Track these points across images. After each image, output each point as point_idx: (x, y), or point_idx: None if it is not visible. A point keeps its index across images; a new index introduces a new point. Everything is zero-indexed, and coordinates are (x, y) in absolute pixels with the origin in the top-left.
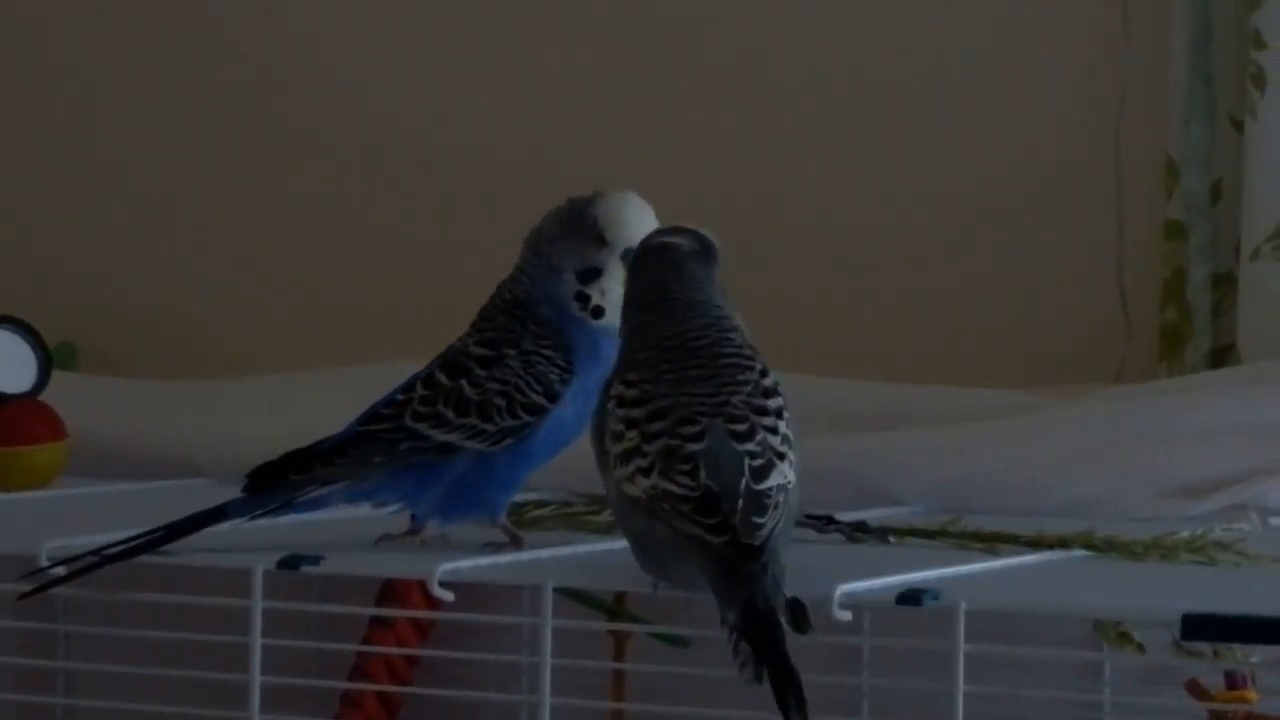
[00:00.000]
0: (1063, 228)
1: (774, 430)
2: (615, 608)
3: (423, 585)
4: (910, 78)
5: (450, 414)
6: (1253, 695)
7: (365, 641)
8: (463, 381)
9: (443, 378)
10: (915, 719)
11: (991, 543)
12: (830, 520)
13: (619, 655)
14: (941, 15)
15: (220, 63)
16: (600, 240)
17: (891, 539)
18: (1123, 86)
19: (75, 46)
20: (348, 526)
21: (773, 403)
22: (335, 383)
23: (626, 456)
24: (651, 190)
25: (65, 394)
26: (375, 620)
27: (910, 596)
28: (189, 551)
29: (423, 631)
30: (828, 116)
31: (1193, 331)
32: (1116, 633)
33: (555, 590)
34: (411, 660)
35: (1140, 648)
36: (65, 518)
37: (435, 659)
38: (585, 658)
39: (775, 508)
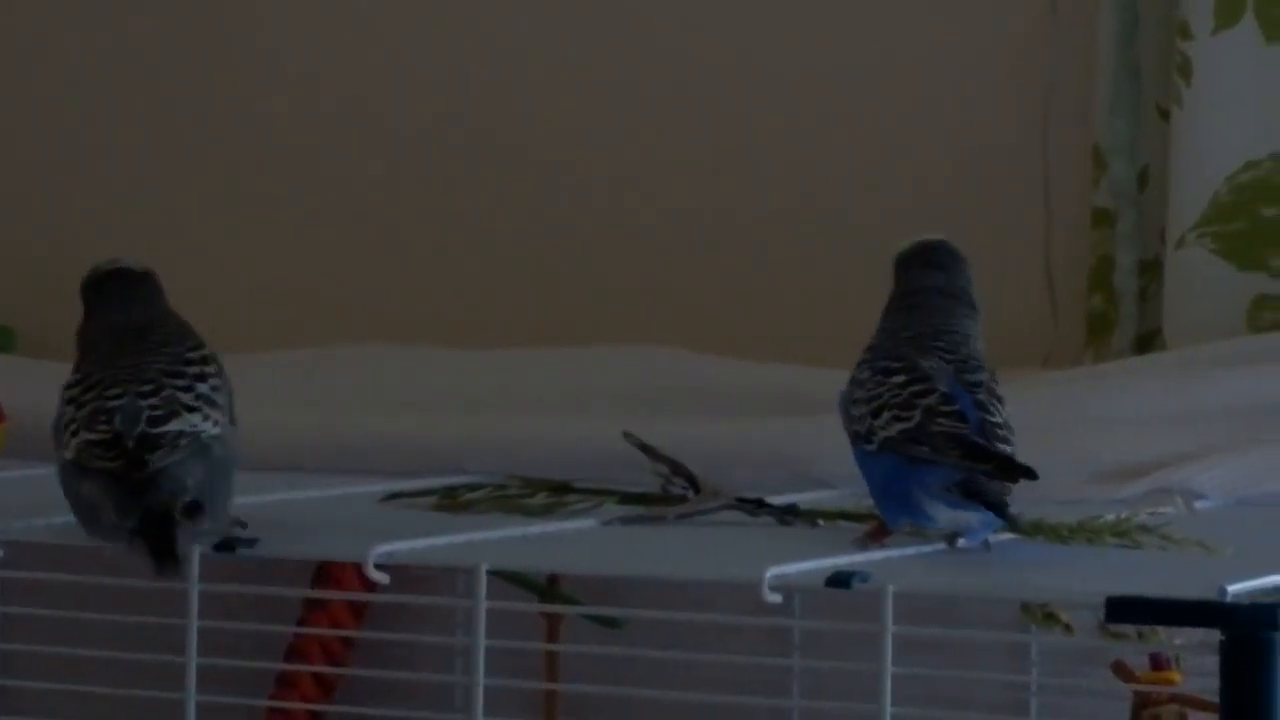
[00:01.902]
0: (990, 215)
1: (186, 389)
2: (548, 589)
3: (358, 567)
4: (837, 68)
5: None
6: (1176, 677)
7: (301, 623)
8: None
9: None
10: (845, 700)
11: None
12: (761, 504)
13: (552, 636)
14: (869, 4)
15: (163, 46)
16: None
17: (821, 522)
18: (1050, 75)
19: (10, 33)
20: (282, 510)
21: (191, 369)
22: (274, 366)
23: (61, 429)
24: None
25: (2, 377)
26: (310, 602)
27: (839, 579)
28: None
29: (358, 613)
30: (754, 107)
31: (1119, 318)
32: (1043, 613)
33: (489, 572)
34: (347, 641)
35: (1067, 627)
36: (3, 500)
37: (371, 640)
38: (518, 639)
39: (174, 448)
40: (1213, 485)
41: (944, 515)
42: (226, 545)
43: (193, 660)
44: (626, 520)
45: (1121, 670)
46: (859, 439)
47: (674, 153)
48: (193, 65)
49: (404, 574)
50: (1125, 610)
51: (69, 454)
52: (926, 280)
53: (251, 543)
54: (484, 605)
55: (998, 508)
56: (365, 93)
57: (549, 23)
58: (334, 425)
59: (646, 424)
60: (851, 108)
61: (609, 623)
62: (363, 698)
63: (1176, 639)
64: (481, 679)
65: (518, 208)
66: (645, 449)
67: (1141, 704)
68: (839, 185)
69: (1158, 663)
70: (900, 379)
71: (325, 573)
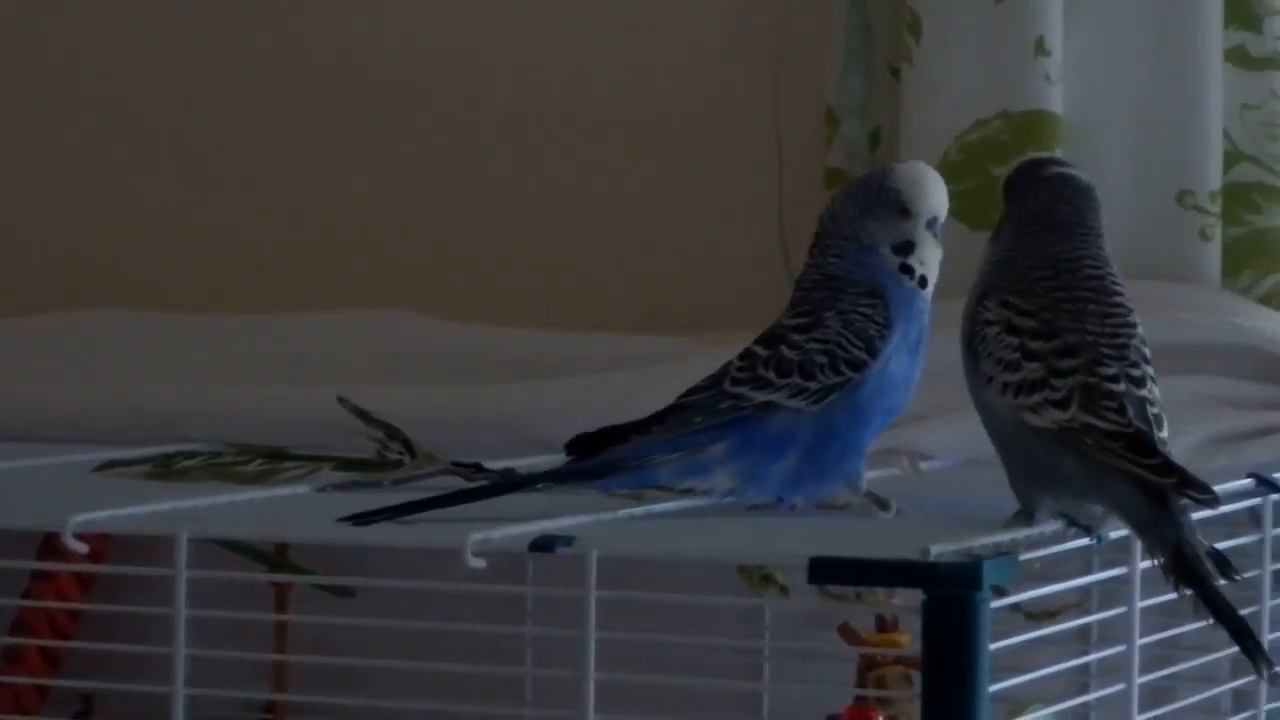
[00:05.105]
0: (724, 176)
1: (1156, 383)
2: (276, 559)
3: (79, 538)
4: (568, 27)
5: (771, 375)
6: (903, 638)
7: (26, 595)
8: (781, 348)
9: (759, 349)
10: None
11: (638, 490)
12: (479, 468)
13: (280, 607)
14: None
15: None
16: (905, 213)
17: (539, 486)
18: (782, 35)
19: None
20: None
21: (1149, 353)
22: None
23: (1031, 387)
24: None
25: None
26: (36, 574)
27: (543, 544)
28: None
29: (85, 585)
30: (488, 67)
31: None
32: (760, 576)
33: (217, 542)
34: (74, 614)
35: (783, 590)
36: None
37: (98, 613)
38: (249, 609)
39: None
40: (940, 445)
41: None
42: None
43: None
44: (341, 486)
45: (848, 633)
46: None
47: (406, 114)
48: (118, 22)
49: (138, 544)
50: (828, 571)
51: (1039, 421)
52: None
53: None
54: (184, 574)
55: None
56: (290, 51)
57: None
58: (51, 393)
59: (371, 389)
60: (580, 69)
61: (340, 592)
62: (93, 671)
63: (894, 600)
64: (183, 649)
65: (238, 168)
66: (360, 413)
67: (867, 666)
68: (568, 149)
69: (883, 625)
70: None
71: (51, 545)
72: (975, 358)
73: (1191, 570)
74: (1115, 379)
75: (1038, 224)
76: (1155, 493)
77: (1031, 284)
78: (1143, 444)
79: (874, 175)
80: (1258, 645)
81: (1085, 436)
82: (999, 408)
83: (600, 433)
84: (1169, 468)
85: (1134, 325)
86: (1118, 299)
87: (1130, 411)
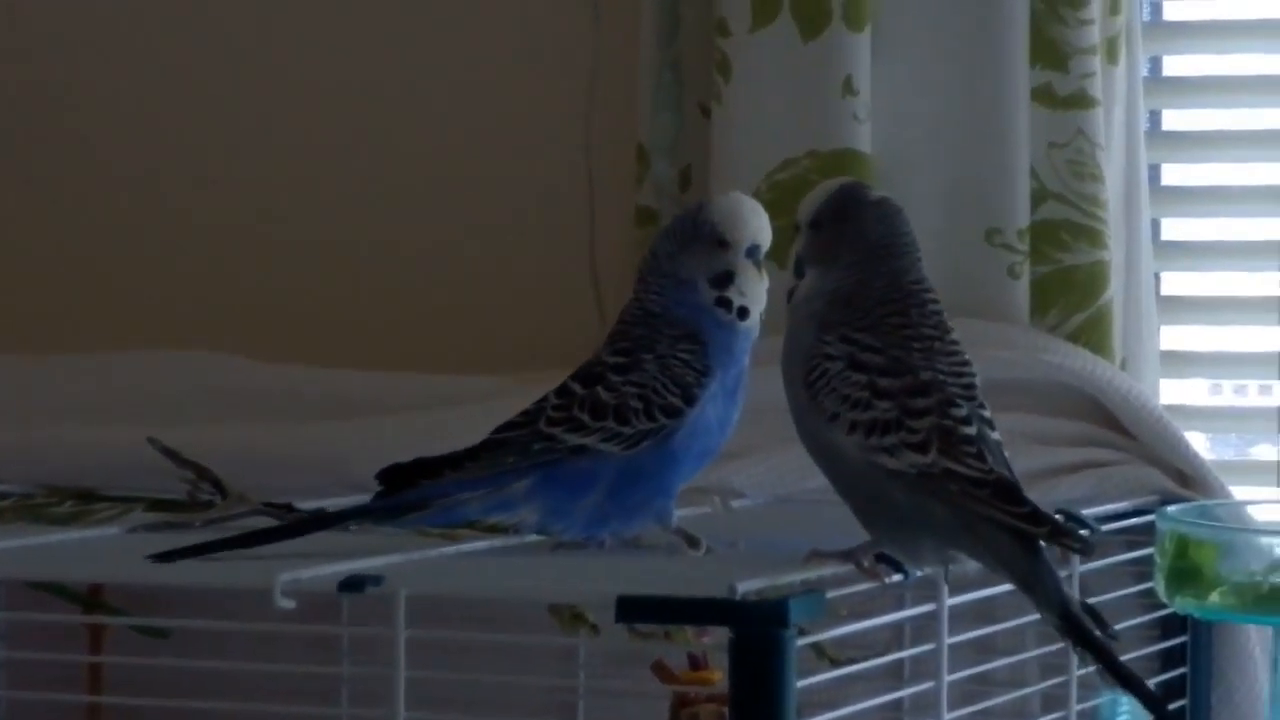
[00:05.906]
0: (535, 214)
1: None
2: (90, 600)
3: None
4: (378, 69)
5: (586, 418)
6: (716, 676)
7: None
8: (598, 388)
9: (577, 387)
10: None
11: (450, 529)
12: (290, 508)
13: (95, 648)
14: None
15: None
16: (723, 244)
17: (352, 526)
18: (592, 74)
19: None
20: None
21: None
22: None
23: (884, 427)
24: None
25: None
26: None
27: (352, 583)
28: None
29: None
30: (297, 110)
31: None
32: (570, 614)
33: (31, 584)
34: None
35: (594, 629)
36: None
37: None
38: (64, 650)
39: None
40: (752, 483)
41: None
42: None
43: None
44: (152, 527)
45: (662, 671)
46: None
47: (218, 156)
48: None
49: None
50: (636, 609)
51: (895, 464)
52: None
53: None
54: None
55: None
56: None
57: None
58: None
59: (185, 429)
60: (389, 111)
61: (155, 633)
62: None
63: (705, 638)
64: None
65: (53, 208)
66: (170, 454)
67: (681, 704)
68: (379, 190)
69: (695, 663)
70: None
71: None
72: (813, 394)
73: (1085, 633)
74: (968, 420)
75: (882, 251)
76: (1027, 542)
77: (878, 320)
78: (1009, 492)
79: (690, 210)
80: (1164, 709)
81: (949, 483)
82: (845, 446)
83: (413, 464)
84: (1039, 517)
85: (970, 363)
86: (954, 335)
87: (990, 457)
